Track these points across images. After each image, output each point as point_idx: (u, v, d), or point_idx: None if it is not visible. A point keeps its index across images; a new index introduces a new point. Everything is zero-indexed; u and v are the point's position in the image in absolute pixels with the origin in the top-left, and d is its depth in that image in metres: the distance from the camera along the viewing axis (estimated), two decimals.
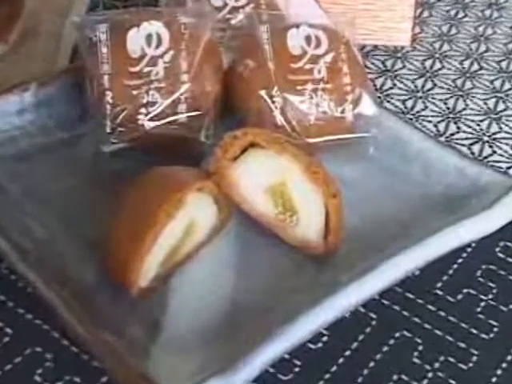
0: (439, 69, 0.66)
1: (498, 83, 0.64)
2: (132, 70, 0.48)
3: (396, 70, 0.65)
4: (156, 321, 0.42)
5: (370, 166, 0.52)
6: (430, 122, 0.60)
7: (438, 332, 0.44)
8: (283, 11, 0.56)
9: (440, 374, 0.42)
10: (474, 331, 0.44)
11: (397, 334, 0.44)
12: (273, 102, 0.49)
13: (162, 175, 0.45)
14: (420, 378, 0.42)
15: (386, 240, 0.46)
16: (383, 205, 0.49)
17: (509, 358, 0.43)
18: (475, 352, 0.43)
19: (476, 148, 0.57)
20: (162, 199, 0.42)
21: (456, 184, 0.50)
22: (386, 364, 0.42)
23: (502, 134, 0.59)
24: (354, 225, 0.46)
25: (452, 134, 0.58)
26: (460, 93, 0.63)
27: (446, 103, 0.62)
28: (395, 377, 0.42)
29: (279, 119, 0.49)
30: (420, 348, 0.43)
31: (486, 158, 0.57)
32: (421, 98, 0.62)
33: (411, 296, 0.46)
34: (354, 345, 0.43)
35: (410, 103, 0.61)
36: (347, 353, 0.43)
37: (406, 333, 0.44)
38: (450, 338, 0.44)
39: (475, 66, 0.66)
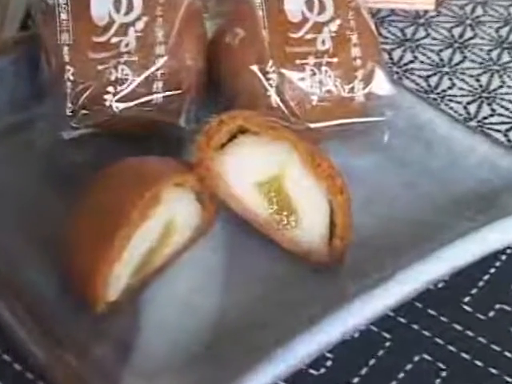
0: (470, 38, 0.66)
1: None
2: (97, 41, 0.49)
3: (418, 40, 0.66)
4: (126, 340, 0.43)
5: (384, 157, 0.53)
6: (458, 102, 0.60)
7: (464, 355, 0.45)
8: None
9: None
10: (509, 354, 0.45)
11: (416, 358, 0.45)
12: (267, 79, 0.49)
13: (133, 167, 0.45)
14: None
15: (403, 245, 0.47)
16: (399, 203, 0.50)
17: None
18: (509, 380, 0.44)
19: None
20: (134, 195, 0.43)
21: (488, 179, 0.51)
22: None
23: None
24: (364, 227, 0.47)
25: (485, 118, 0.59)
26: (495, 67, 0.64)
27: (478, 80, 0.63)
28: None
29: (274, 100, 0.49)
30: (443, 374, 0.44)
31: None
32: (447, 73, 0.63)
33: (433, 312, 0.47)
34: (364, 371, 0.44)
35: (434, 80, 0.62)
36: (355, 380, 0.43)
37: (426, 356, 0.45)
38: (480, 363, 0.45)
39: None
